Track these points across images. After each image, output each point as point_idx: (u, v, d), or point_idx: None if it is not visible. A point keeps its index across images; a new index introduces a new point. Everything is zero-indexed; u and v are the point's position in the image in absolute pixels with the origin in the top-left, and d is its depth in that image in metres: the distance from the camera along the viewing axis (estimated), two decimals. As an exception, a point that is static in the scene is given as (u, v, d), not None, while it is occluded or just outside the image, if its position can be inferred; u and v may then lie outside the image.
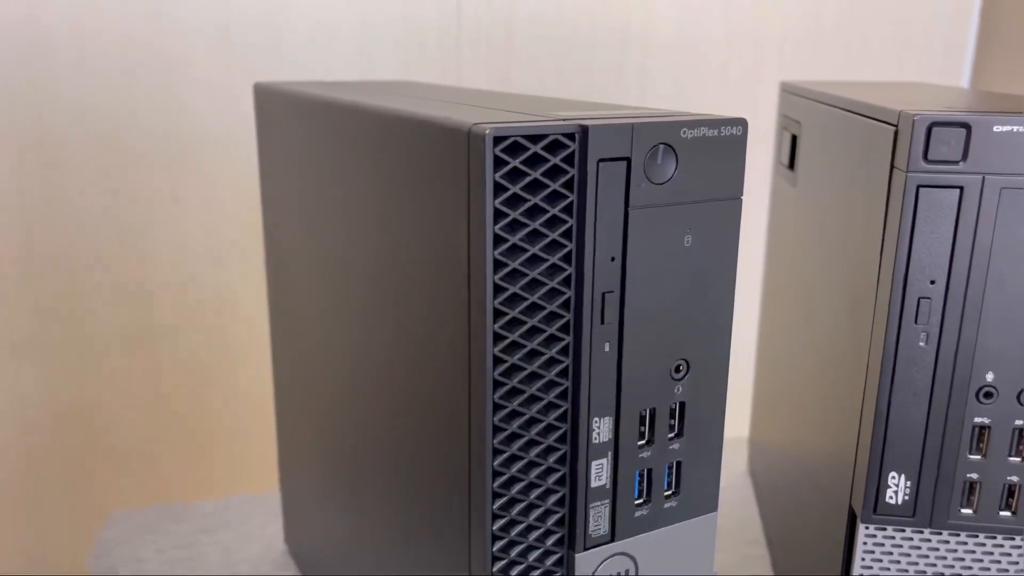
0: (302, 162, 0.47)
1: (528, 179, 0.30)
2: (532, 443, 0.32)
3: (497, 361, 0.31)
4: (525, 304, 0.31)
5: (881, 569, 0.41)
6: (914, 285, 0.38)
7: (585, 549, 0.34)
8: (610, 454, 0.34)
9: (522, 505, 0.33)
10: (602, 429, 0.33)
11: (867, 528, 0.41)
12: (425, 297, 0.35)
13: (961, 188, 0.36)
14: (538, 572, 0.34)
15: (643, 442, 0.35)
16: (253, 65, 0.77)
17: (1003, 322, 0.37)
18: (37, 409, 0.79)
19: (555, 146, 0.30)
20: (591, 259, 0.31)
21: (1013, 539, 0.40)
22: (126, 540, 0.63)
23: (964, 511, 0.40)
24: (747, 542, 0.64)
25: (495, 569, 0.33)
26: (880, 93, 0.49)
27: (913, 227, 0.37)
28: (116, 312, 0.79)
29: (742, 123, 0.33)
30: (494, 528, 0.33)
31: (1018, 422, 0.38)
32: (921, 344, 0.38)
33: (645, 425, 0.35)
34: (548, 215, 0.31)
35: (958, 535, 0.40)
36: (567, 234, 0.31)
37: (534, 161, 0.30)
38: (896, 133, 0.37)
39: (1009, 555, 0.40)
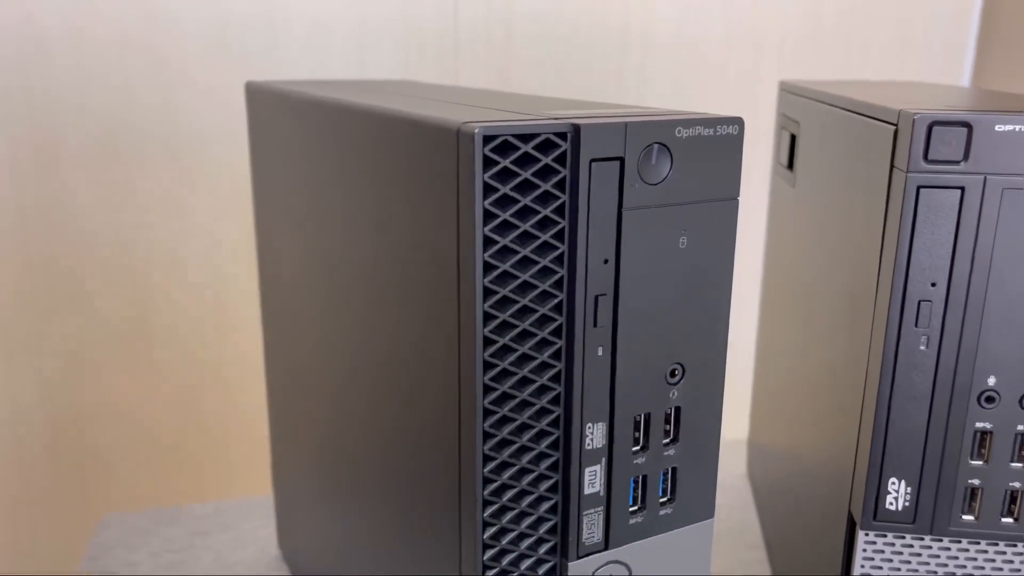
0: (293, 162, 0.46)
1: (519, 179, 0.29)
2: (523, 449, 0.32)
3: (487, 365, 0.30)
4: (516, 307, 0.30)
5: (881, 576, 0.40)
6: (914, 287, 0.37)
7: (579, 557, 0.33)
8: (604, 460, 0.33)
9: (514, 512, 0.32)
10: (595, 435, 0.33)
11: (867, 535, 0.40)
12: (415, 300, 0.34)
13: (962, 189, 0.36)
14: (530, 581, 0.33)
15: (638, 448, 0.34)
16: (251, 65, 0.77)
17: (1005, 325, 0.37)
18: (31, 411, 0.79)
19: (546, 145, 0.30)
20: (584, 261, 0.31)
21: (1015, 546, 0.39)
22: (119, 543, 0.63)
23: (965, 517, 0.39)
24: (746, 546, 0.64)
25: (486, 578, 0.32)
26: (880, 92, 0.48)
27: (913, 228, 0.36)
28: (111, 314, 0.79)
29: (738, 122, 0.32)
30: (485, 536, 0.32)
31: (1020, 427, 0.38)
32: (922, 348, 0.37)
33: (640, 431, 0.34)
34: (539, 216, 0.30)
35: (959, 542, 0.39)
36: (559, 236, 0.30)
37: (525, 161, 0.29)
38: (896, 132, 0.37)
39: (1011, 562, 0.39)
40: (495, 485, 0.32)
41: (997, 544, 0.39)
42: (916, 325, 0.37)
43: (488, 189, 0.29)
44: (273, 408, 0.58)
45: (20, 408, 0.78)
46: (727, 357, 0.35)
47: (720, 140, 0.32)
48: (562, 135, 0.30)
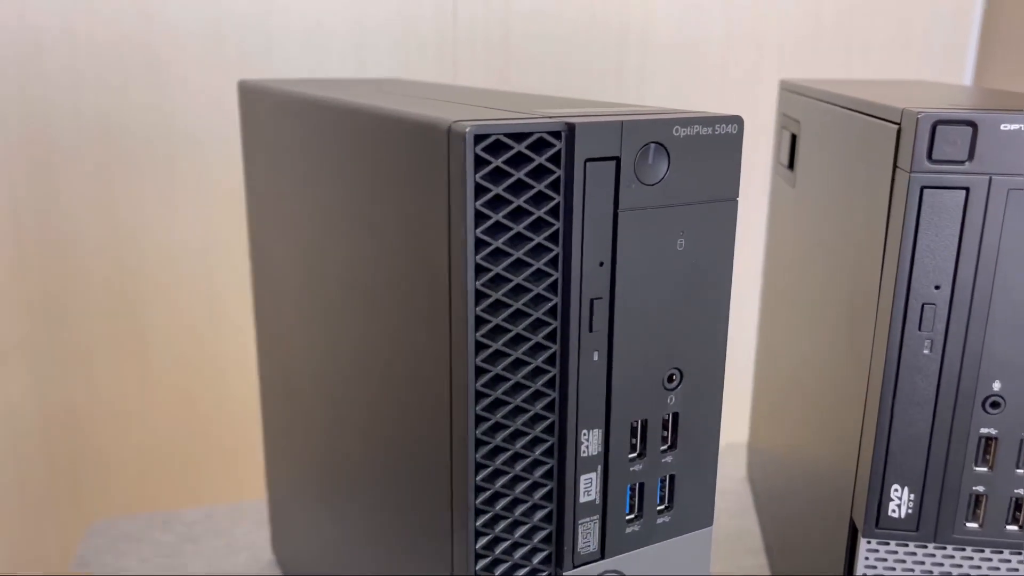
0: (284, 161, 0.46)
1: (511, 179, 0.28)
2: (517, 457, 0.31)
3: (479, 371, 0.29)
4: (509, 311, 0.29)
5: (883, 585, 0.40)
6: (918, 290, 0.36)
7: (574, 567, 0.33)
8: (600, 468, 0.32)
9: (507, 522, 0.31)
10: (591, 442, 0.32)
11: (869, 543, 0.39)
12: (406, 303, 0.33)
13: (967, 189, 0.35)
14: (524, 591, 0.32)
15: (634, 455, 0.33)
16: (248, 65, 0.76)
17: (1010, 329, 0.36)
18: (24, 415, 0.78)
19: (540, 145, 0.29)
20: (579, 264, 0.30)
21: (1020, 554, 0.38)
22: (108, 549, 0.62)
23: (970, 525, 0.38)
24: (746, 551, 0.63)
25: (479, 588, 0.31)
26: (882, 91, 0.47)
27: (917, 230, 0.35)
28: (105, 317, 0.78)
29: (737, 121, 0.31)
30: (478, 546, 0.31)
31: (1026, 433, 0.37)
32: (925, 352, 0.36)
33: (636, 437, 0.33)
34: (533, 217, 0.29)
35: (963, 550, 0.39)
36: (553, 237, 0.30)
37: (518, 161, 0.29)
38: (899, 132, 0.36)
39: (1016, 571, 0.38)
40: (488, 493, 0.31)
41: (1002, 552, 0.38)
42: (919, 329, 0.36)
43: (480, 190, 0.28)
44: (266, 411, 0.57)
45: (13, 410, 0.77)
46: (727, 360, 0.35)
47: (719, 139, 0.31)
48: (556, 134, 0.29)
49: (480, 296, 0.29)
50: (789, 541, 0.54)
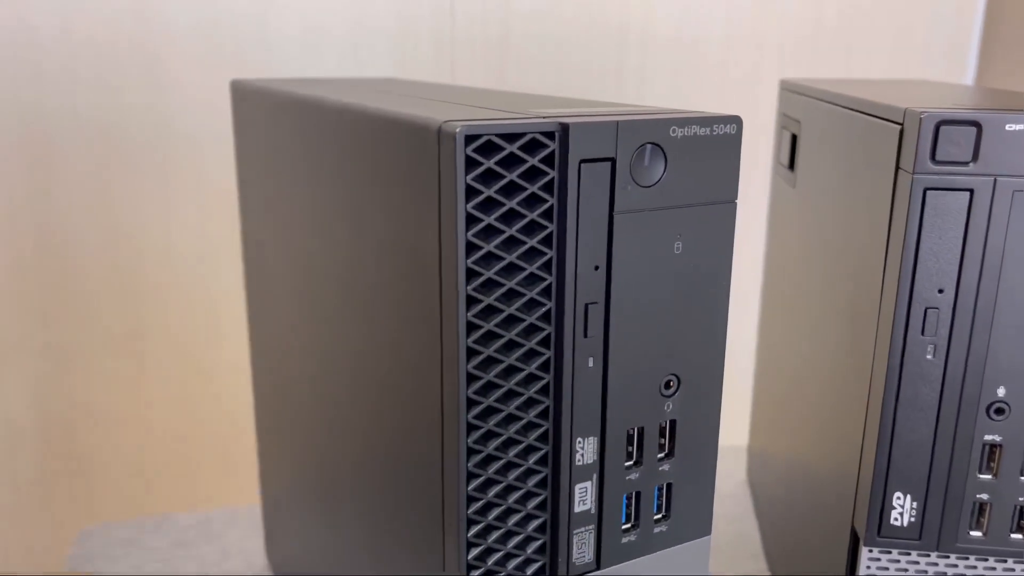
0: (275, 161, 0.45)
1: (504, 181, 0.28)
2: (510, 465, 0.30)
3: (471, 378, 0.29)
4: (501, 316, 0.29)
5: (885, 594, 0.39)
6: (921, 294, 0.35)
7: (568, 578, 0.32)
8: (595, 476, 0.32)
9: (500, 532, 0.31)
10: (586, 450, 0.31)
11: (870, 551, 0.38)
12: (396, 307, 0.33)
13: (971, 191, 0.34)
14: (518, 603, 0.32)
15: (631, 463, 0.32)
16: (245, 65, 0.75)
17: (1015, 334, 0.35)
18: (17, 417, 0.77)
19: (533, 145, 0.28)
20: (573, 268, 0.29)
21: (1025, 563, 0.38)
22: (100, 554, 0.61)
23: (973, 533, 0.37)
24: (747, 555, 0.62)
25: (471, 600, 0.31)
26: (884, 90, 0.46)
27: (920, 232, 0.35)
28: (100, 319, 0.77)
29: (736, 121, 0.31)
30: (470, 557, 0.30)
31: (1031, 440, 0.36)
32: (928, 357, 0.36)
33: (633, 445, 0.32)
34: (526, 220, 0.28)
35: (967, 559, 0.38)
36: (547, 241, 0.29)
37: (510, 162, 0.28)
38: (902, 132, 0.35)
39: (1021, 580, 0.38)
40: (480, 503, 0.30)
41: (1006, 561, 0.38)
42: (923, 333, 0.36)
43: (471, 192, 0.27)
44: (259, 415, 0.57)
45: (6, 412, 0.77)
46: (726, 361, 0.34)
47: (717, 140, 0.31)
48: (549, 135, 0.28)
49: (472, 301, 0.28)
50: (789, 547, 0.53)
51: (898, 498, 0.38)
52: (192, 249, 0.78)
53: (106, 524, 0.65)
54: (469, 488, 0.30)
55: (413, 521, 0.34)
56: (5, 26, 0.70)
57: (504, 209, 0.28)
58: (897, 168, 0.36)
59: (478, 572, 0.30)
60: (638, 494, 0.33)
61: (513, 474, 0.30)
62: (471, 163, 0.27)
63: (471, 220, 0.27)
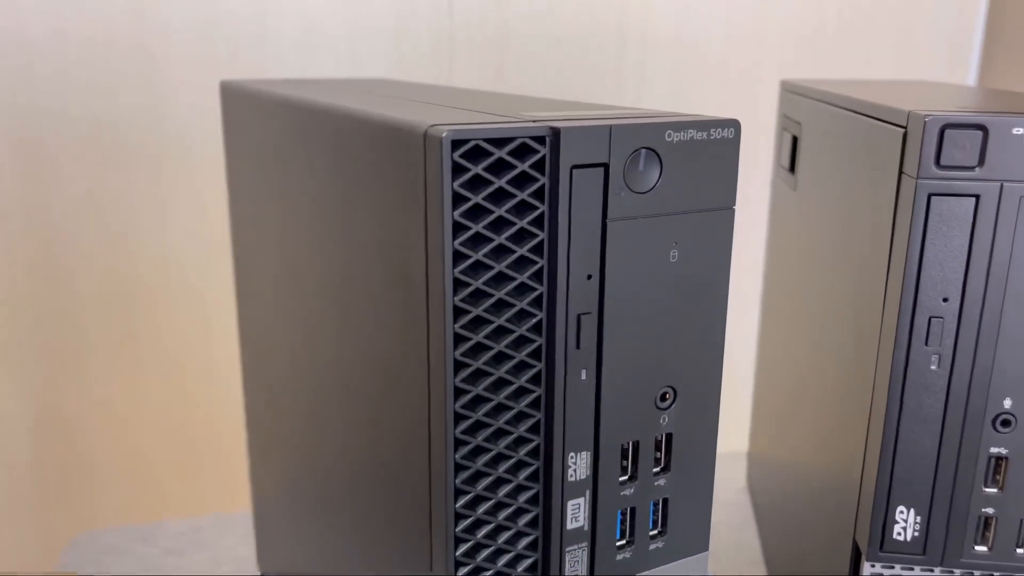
0: (263, 164, 0.44)
1: (492, 188, 0.27)
2: (500, 482, 0.29)
3: (459, 391, 0.28)
4: (490, 328, 0.28)
5: (888, 610, 0.38)
6: (925, 303, 0.34)
7: (561, 596, 0.31)
8: (588, 492, 0.31)
9: (490, 550, 0.30)
10: (579, 465, 0.30)
11: (873, 566, 0.37)
12: (383, 317, 0.31)
13: (977, 196, 0.33)
14: (508, 622, 0.30)
15: (625, 478, 0.31)
16: (241, 66, 0.74)
17: (1022, 344, 0.34)
18: (11, 421, 0.76)
19: (523, 151, 0.27)
20: (565, 277, 0.28)
21: (1032, 579, 0.37)
22: (90, 563, 0.60)
23: (979, 548, 0.36)
24: (747, 563, 0.61)
25: (459, 621, 0.30)
26: (887, 92, 0.45)
27: (924, 239, 0.34)
28: (95, 321, 0.76)
29: (734, 124, 0.30)
30: (458, 575, 0.29)
31: (1038, 453, 0.35)
32: (932, 368, 0.35)
33: (627, 459, 0.31)
34: (516, 228, 0.27)
35: (972, 574, 0.37)
36: (537, 249, 0.28)
37: (499, 168, 0.27)
38: (905, 136, 0.34)
39: (1028, 596, 0.37)
40: (469, 521, 0.29)
41: (1012, 577, 0.37)
42: (927, 343, 0.34)
43: (458, 199, 0.26)
44: (250, 422, 0.56)
45: (1, 414, 0.76)
46: (726, 368, 0.33)
47: (714, 144, 0.30)
48: (540, 139, 0.27)
49: (459, 312, 0.27)
50: (790, 559, 0.52)
51: (901, 512, 0.37)
52: (187, 251, 0.77)
53: (97, 532, 0.64)
54: (457, 505, 0.29)
55: (401, 537, 0.33)
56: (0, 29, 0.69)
57: (493, 216, 0.27)
58: (900, 173, 0.35)
59: (467, 591, 0.29)
60: (633, 510, 0.32)
61: (503, 490, 0.29)
62: (458, 169, 0.26)
63: (458, 228, 0.26)
